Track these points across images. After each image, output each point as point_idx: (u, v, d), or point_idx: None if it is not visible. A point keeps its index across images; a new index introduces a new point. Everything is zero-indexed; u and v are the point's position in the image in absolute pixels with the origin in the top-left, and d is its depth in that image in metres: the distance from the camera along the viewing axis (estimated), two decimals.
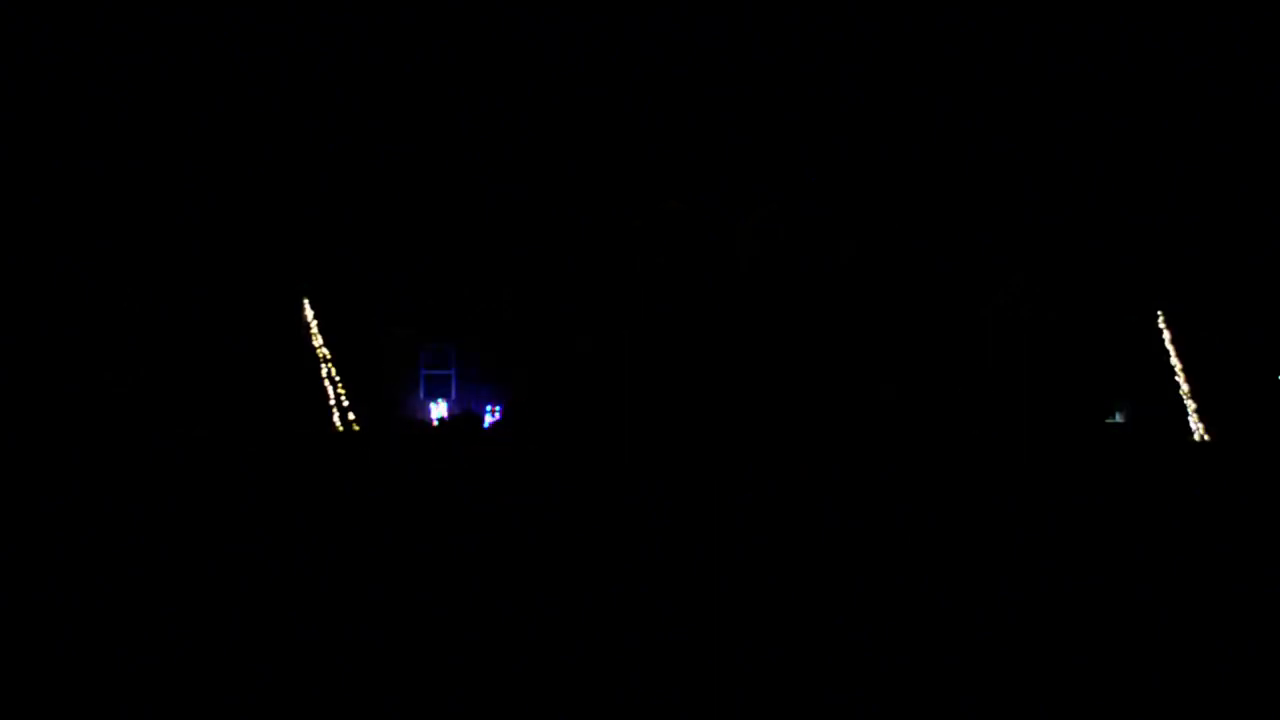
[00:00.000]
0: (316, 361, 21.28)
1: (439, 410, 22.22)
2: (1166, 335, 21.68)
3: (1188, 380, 21.63)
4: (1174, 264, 21.73)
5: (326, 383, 21.22)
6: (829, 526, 10.68)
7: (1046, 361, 21.82)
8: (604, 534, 10.20)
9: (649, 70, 22.30)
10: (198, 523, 10.77)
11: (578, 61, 22.23)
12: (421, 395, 22.47)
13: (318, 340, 21.18)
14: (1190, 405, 21.52)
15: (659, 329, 21.50)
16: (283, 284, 21.39)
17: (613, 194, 22.27)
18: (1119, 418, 21.92)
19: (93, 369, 20.31)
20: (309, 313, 21.26)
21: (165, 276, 21.09)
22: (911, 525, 10.67)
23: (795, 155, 22.28)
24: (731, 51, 22.32)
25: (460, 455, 18.41)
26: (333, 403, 21.32)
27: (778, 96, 22.22)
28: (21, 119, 20.85)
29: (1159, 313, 21.78)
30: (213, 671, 5.52)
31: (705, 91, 22.26)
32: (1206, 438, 21.37)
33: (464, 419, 22.00)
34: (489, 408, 22.26)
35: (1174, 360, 21.65)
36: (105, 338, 20.57)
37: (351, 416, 21.39)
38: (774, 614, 6.77)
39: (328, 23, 21.78)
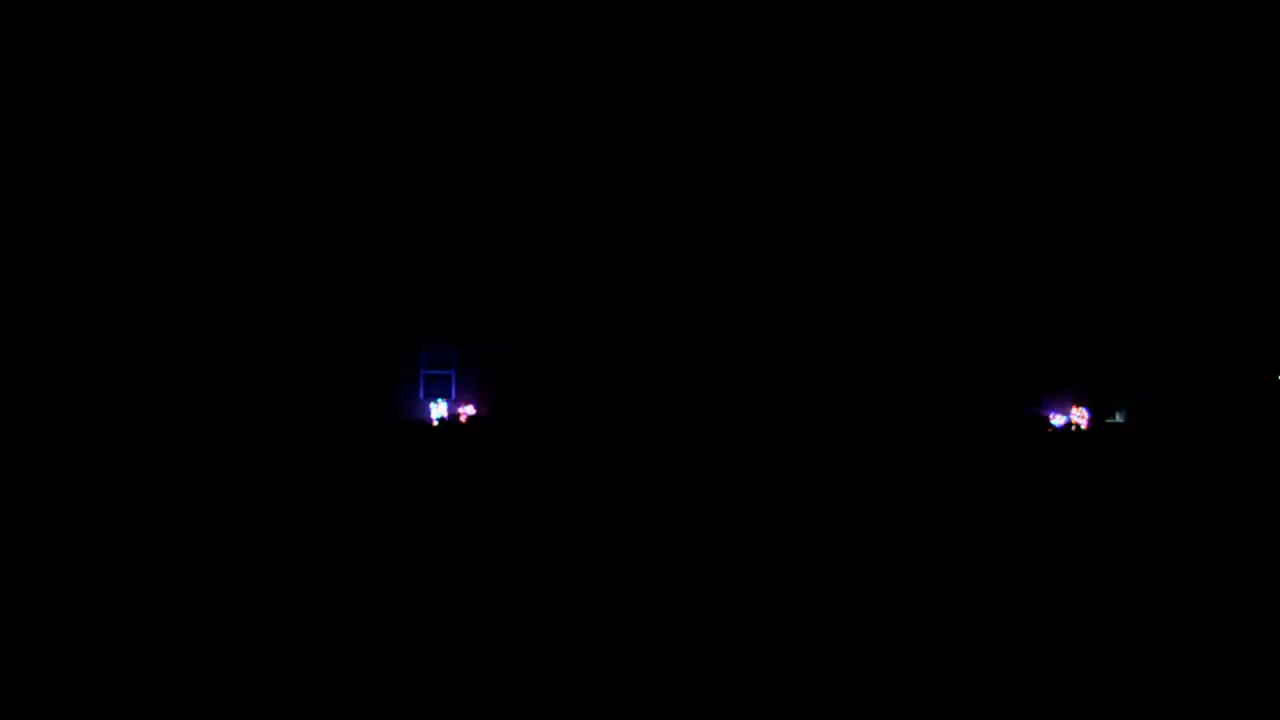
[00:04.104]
0: (316, 361, 21.28)
1: (439, 410, 22.22)
2: (1165, 336, 21.67)
3: (1187, 380, 21.63)
4: (1173, 264, 21.73)
5: (325, 383, 21.22)
6: (829, 526, 10.68)
7: (1046, 361, 21.81)
8: (604, 534, 10.20)
9: (649, 70, 22.29)
10: (198, 523, 10.77)
11: (577, 61, 22.23)
12: (421, 395, 22.48)
13: (317, 341, 21.17)
14: (1190, 405, 21.52)
15: (659, 329, 21.49)
16: (282, 284, 21.38)
17: (613, 194, 22.26)
18: (1119, 418, 21.93)
19: (93, 369, 20.30)
20: (308, 313, 21.25)
21: (165, 276, 21.09)
22: (911, 525, 10.67)
23: (795, 155, 22.27)
24: (731, 51, 22.31)
25: (460, 455, 18.42)
26: (332, 403, 21.31)
27: (778, 96, 22.21)
28: (21, 119, 20.85)
29: (1158, 313, 21.77)
30: (213, 671, 5.52)
31: (705, 91, 22.25)
32: (1206, 438, 21.36)
33: (464, 419, 22.00)
34: (490, 408, 22.26)
35: (1173, 360, 21.64)
36: (105, 338, 20.56)
37: (351, 416, 21.38)
38: (774, 614, 6.77)
39: (328, 22, 21.79)
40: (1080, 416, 21.72)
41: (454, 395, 22.50)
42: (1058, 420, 21.70)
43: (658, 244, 21.95)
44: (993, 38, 21.96)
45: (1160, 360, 21.75)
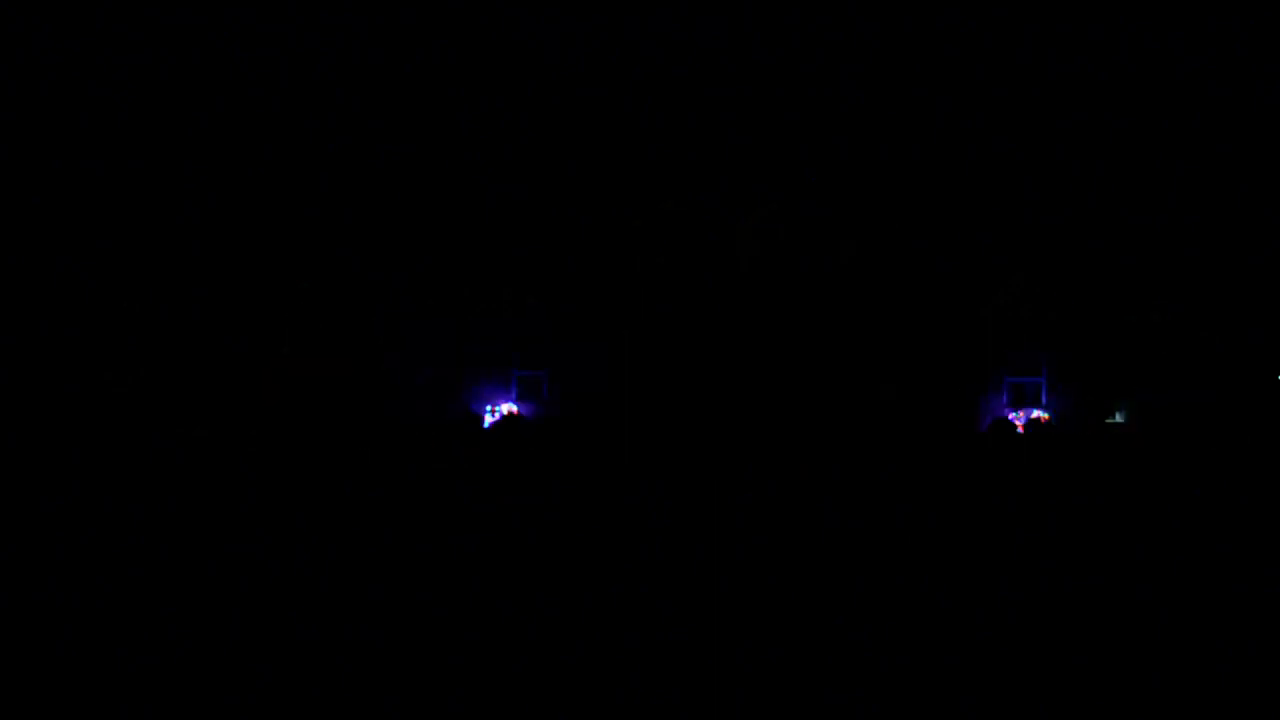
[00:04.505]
0: (315, 361, 21.26)
1: (440, 411, 22.20)
2: (1165, 336, 21.67)
3: (1187, 380, 21.62)
4: (1173, 264, 21.73)
5: (325, 383, 21.21)
6: (829, 526, 10.68)
7: (1046, 361, 21.82)
8: (604, 534, 10.20)
9: (648, 70, 22.29)
10: (198, 523, 10.78)
11: (577, 61, 22.23)
12: (421, 395, 22.46)
13: (317, 341, 21.17)
14: (1190, 405, 21.52)
15: (659, 329, 21.50)
16: (282, 284, 21.38)
17: (613, 194, 22.26)
18: (1119, 418, 21.93)
19: (93, 369, 20.30)
20: (308, 313, 21.25)
21: (165, 276, 21.09)
22: (912, 525, 10.68)
23: (795, 155, 22.26)
24: (731, 51, 22.30)
25: (460, 455, 18.42)
26: (332, 403, 21.31)
27: (778, 96, 22.21)
28: (21, 119, 20.86)
29: (1158, 313, 21.77)
30: (213, 671, 5.52)
31: (705, 91, 22.25)
32: (1206, 438, 21.36)
33: (464, 419, 21.99)
34: (488, 408, 22.26)
35: (1173, 360, 21.64)
36: (105, 338, 20.56)
37: (351, 417, 21.37)
38: (774, 614, 6.77)
39: (327, 21, 21.79)
40: (1080, 416, 21.71)
41: (454, 396, 22.48)
42: (1057, 420, 21.69)
43: (658, 244, 21.96)
44: (993, 38, 21.95)
45: (1160, 360, 21.74)
